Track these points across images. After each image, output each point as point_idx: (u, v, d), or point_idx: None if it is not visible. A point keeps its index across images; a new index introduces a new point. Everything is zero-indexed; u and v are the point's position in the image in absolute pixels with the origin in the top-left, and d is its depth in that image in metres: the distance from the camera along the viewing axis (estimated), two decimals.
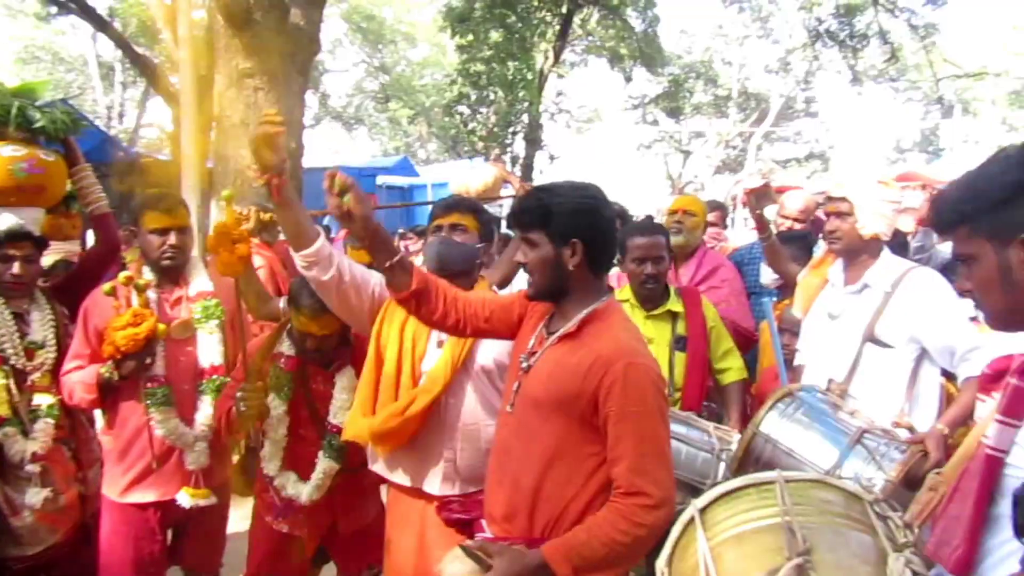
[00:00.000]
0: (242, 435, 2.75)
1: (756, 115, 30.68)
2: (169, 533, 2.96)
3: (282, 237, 5.94)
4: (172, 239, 2.77)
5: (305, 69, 7.85)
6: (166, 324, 2.71)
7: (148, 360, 2.67)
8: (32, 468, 2.69)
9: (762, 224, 3.60)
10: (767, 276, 3.87)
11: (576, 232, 1.84)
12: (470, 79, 18.04)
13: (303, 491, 2.66)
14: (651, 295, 3.14)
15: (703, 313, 3.17)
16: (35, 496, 2.68)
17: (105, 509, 2.83)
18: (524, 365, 1.94)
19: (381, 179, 16.20)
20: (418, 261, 3.49)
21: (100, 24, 15.04)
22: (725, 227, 5.81)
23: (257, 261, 4.67)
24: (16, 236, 2.72)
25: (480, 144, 18.78)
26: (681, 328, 3.13)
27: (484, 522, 1.99)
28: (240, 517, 3.29)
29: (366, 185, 14.87)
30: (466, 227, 2.50)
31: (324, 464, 2.67)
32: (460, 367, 2.36)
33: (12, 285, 2.75)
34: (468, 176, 4.53)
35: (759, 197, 3.58)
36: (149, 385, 2.72)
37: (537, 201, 1.88)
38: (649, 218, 3.89)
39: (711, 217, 4.67)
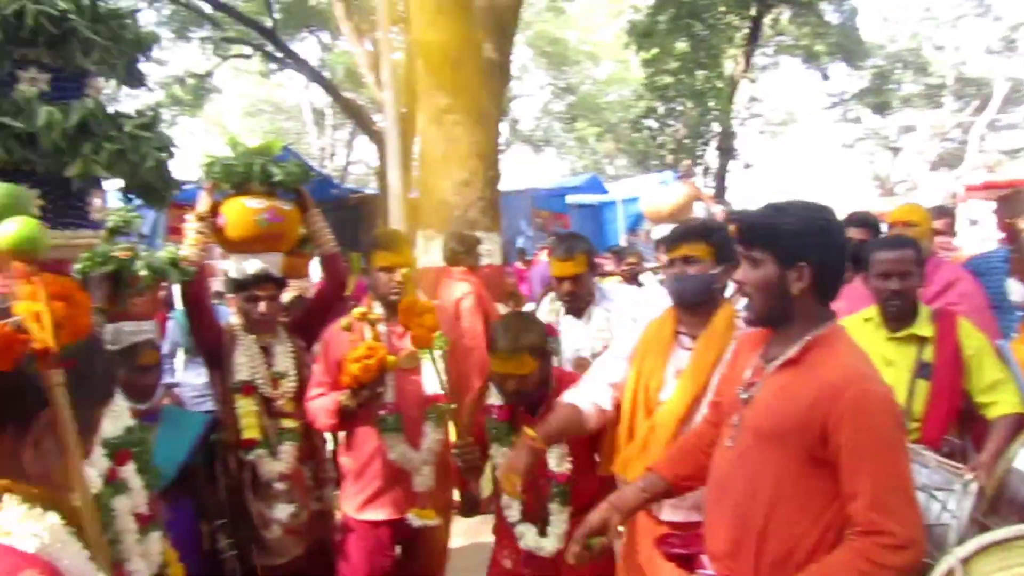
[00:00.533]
0: (474, 487, 2.82)
1: (977, 102, 27.76)
2: (397, 549, 3.12)
3: (485, 261, 6.18)
4: (399, 276, 2.97)
5: (499, 100, 8.14)
6: (395, 355, 2.88)
7: (380, 389, 2.86)
8: (280, 486, 2.97)
9: (1014, 235, 3.24)
10: (1018, 293, 3.46)
11: (804, 255, 1.75)
12: (657, 92, 17.87)
13: (545, 544, 2.59)
14: (897, 313, 2.88)
15: (958, 340, 2.82)
16: (282, 511, 2.96)
17: (343, 524, 3.06)
18: (744, 396, 1.87)
19: (571, 198, 16.39)
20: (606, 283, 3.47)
21: (312, 74, 16.53)
22: (954, 234, 5.26)
23: (463, 287, 4.88)
24: (261, 279, 3.04)
25: (670, 157, 18.50)
26: (928, 354, 2.81)
27: (705, 559, 1.93)
28: (456, 533, 3.46)
29: (556, 205, 15.19)
30: (697, 257, 2.45)
31: (560, 514, 2.59)
32: (697, 397, 2.35)
33: (259, 322, 3.07)
34: (658, 197, 4.48)
35: (1010, 205, 3.23)
36: (381, 412, 2.90)
37: (765, 219, 1.81)
38: None
39: (938, 224, 4.24)
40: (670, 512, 2.38)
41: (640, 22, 17.39)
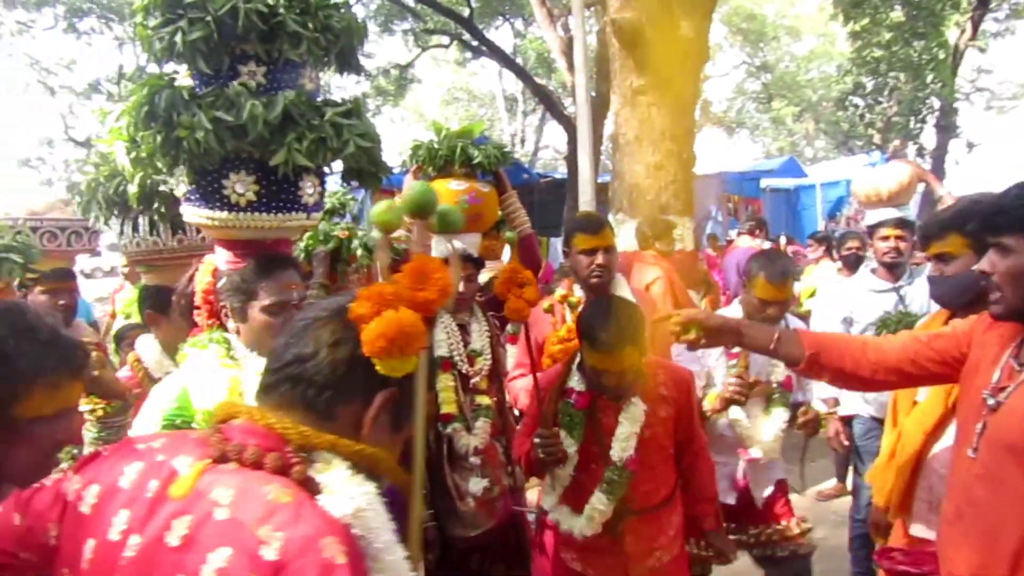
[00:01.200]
0: (543, 476, 2.68)
1: None
2: None
3: (677, 246, 6.03)
4: (599, 258, 2.94)
5: (695, 80, 7.87)
6: None
7: None
8: (474, 460, 3.04)
9: None
10: None
11: None
12: (867, 67, 16.52)
13: (575, 525, 2.47)
14: None
15: None
16: (476, 485, 3.03)
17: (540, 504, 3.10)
18: (991, 402, 1.65)
19: (765, 182, 15.64)
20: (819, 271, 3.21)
21: (506, 61, 16.88)
22: None
23: (653, 272, 4.77)
24: (461, 259, 3.12)
25: (877, 137, 17.09)
26: None
27: None
28: None
29: (748, 189, 14.55)
30: (952, 253, 2.22)
31: (596, 498, 2.44)
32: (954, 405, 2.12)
33: (457, 301, 3.16)
34: (876, 177, 4.08)
35: None
36: None
37: (1018, 200, 1.60)
38: None
39: None
40: (923, 529, 2.15)
41: None
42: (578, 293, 2.96)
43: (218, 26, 1.94)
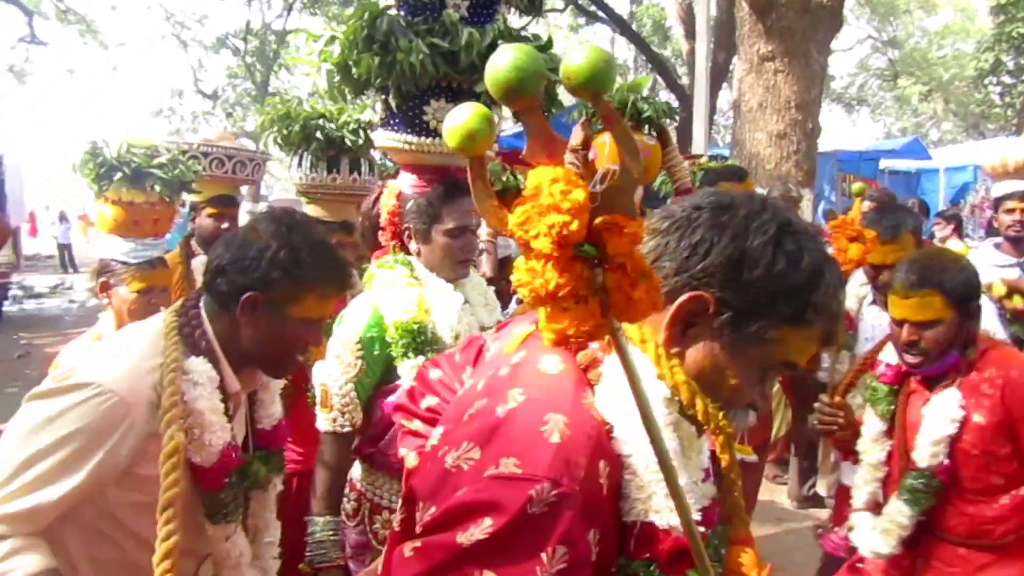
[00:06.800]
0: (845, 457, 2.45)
1: None
2: None
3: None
4: None
5: (825, 48, 7.70)
6: None
7: None
8: None
9: None
10: None
11: None
12: (1011, 43, 15.53)
13: (876, 545, 2.08)
14: None
15: None
16: None
17: None
18: None
19: (884, 163, 15.01)
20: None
21: (622, 27, 16.73)
22: None
23: None
24: None
25: (1015, 119, 16.12)
26: None
27: None
28: None
29: (866, 169, 14.00)
30: None
31: (893, 507, 2.05)
32: None
33: None
34: (1005, 149, 3.89)
35: None
36: None
37: None
38: None
39: None
40: None
41: None
42: None
43: None
